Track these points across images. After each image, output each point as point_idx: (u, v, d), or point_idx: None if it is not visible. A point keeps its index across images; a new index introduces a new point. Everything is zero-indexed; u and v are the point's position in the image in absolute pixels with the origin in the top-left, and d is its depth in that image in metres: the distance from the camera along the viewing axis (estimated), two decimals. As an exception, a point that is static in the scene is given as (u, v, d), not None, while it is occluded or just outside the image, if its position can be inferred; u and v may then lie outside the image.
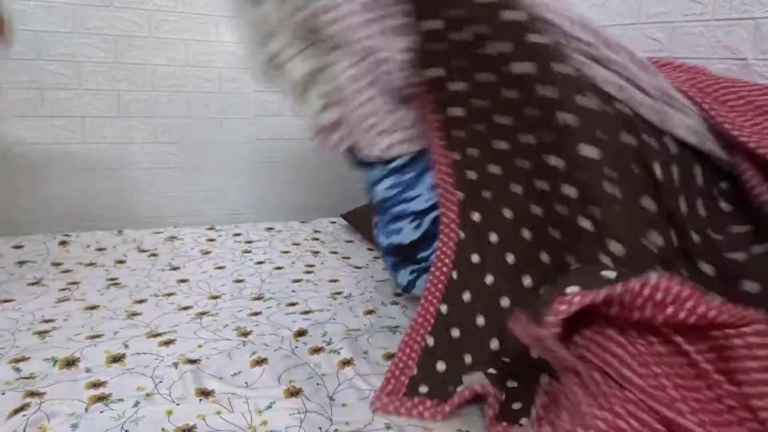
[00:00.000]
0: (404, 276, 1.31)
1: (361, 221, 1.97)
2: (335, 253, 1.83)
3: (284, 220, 2.21)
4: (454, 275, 1.08)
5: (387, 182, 1.26)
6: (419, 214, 1.26)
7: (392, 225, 1.27)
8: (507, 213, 1.05)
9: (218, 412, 0.93)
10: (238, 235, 1.96)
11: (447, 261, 1.09)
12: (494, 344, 1.00)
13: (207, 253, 1.77)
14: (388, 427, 0.92)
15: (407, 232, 1.26)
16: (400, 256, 1.29)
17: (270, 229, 2.06)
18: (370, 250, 1.85)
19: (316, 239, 1.97)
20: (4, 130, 2.02)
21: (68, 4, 2.01)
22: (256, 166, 2.41)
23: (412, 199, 1.26)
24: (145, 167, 2.24)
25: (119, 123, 2.16)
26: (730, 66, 1.47)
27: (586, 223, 0.87)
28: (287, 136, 2.44)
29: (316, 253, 1.82)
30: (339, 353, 1.13)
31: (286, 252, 1.82)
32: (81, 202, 2.17)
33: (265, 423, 0.91)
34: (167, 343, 1.15)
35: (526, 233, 1.02)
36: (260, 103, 2.36)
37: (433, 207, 1.23)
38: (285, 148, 2.45)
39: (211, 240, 1.89)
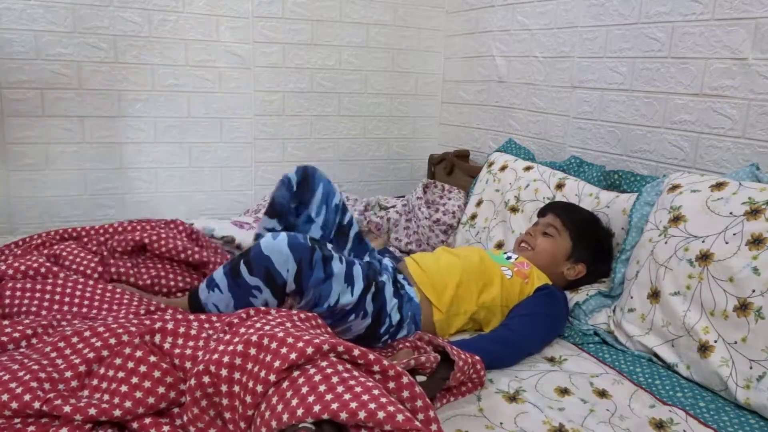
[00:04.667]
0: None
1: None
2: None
3: (284, 220, 2.20)
4: None
5: None
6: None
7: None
8: None
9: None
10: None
11: None
12: None
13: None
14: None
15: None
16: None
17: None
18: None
19: (317, 239, 1.97)
20: (4, 130, 2.02)
21: (68, 4, 2.01)
22: (256, 166, 2.41)
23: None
24: (145, 167, 2.24)
25: (119, 123, 2.16)
26: (730, 66, 1.47)
27: None
28: (287, 135, 2.44)
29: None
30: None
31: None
32: (81, 202, 2.17)
33: None
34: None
35: None
36: (260, 103, 2.36)
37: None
38: (284, 147, 2.45)
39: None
